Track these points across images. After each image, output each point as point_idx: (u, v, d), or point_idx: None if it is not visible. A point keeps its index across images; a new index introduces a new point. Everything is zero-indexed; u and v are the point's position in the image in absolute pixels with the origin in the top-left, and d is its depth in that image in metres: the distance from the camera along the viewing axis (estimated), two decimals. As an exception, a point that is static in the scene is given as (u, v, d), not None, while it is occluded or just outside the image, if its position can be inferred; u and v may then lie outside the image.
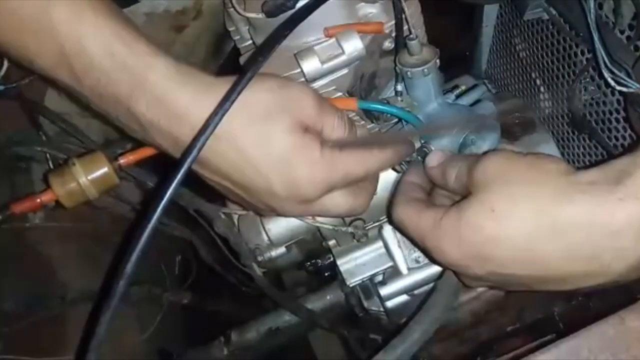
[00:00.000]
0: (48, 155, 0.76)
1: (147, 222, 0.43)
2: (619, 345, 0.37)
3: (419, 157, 0.62)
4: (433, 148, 0.60)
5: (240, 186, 0.53)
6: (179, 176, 0.45)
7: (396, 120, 0.66)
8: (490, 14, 0.84)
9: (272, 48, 0.49)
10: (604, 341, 0.37)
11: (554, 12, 0.68)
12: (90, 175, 0.63)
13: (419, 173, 0.61)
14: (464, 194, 0.51)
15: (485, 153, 0.50)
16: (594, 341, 0.37)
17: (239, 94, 0.46)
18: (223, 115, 0.46)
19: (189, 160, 0.45)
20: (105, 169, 0.63)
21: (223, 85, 0.48)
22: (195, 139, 0.46)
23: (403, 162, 0.64)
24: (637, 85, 0.52)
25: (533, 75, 0.80)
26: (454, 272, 0.55)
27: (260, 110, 0.49)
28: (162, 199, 0.44)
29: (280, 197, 0.52)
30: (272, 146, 0.49)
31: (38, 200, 0.62)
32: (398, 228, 0.58)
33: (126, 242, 0.43)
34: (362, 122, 0.71)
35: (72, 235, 0.84)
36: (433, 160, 0.58)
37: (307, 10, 0.50)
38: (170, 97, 0.48)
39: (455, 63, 0.86)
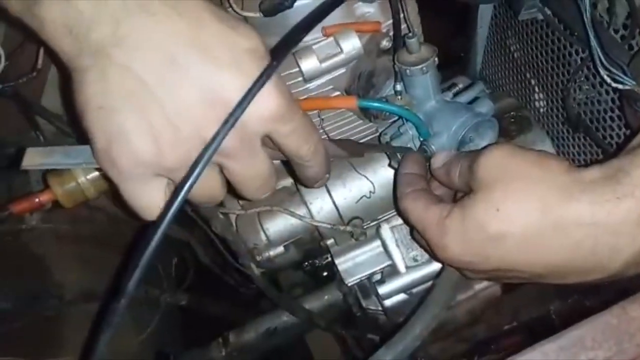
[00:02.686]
0: (45, 156, 0.76)
1: (152, 235, 0.40)
2: (623, 334, 0.37)
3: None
4: (433, 147, 0.60)
5: None
6: (183, 193, 0.40)
7: (394, 119, 0.67)
8: (485, 14, 0.84)
9: (289, 50, 0.47)
10: (607, 331, 0.38)
11: (548, 12, 0.68)
12: (89, 175, 0.62)
13: (414, 163, 0.60)
14: (467, 191, 0.52)
15: (485, 147, 0.50)
16: (598, 331, 0.38)
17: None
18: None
19: (195, 173, 0.40)
20: (104, 169, 0.63)
21: None
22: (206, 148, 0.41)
23: (398, 157, 0.64)
24: (633, 82, 0.53)
25: (528, 76, 0.81)
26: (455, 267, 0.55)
27: None
28: (167, 212, 0.40)
29: None
30: None
31: (37, 200, 0.62)
32: (406, 221, 0.58)
33: (128, 256, 0.41)
34: (360, 121, 0.71)
35: (69, 236, 0.83)
36: (438, 160, 0.57)
37: (327, 9, 0.49)
38: None
39: (450, 65, 0.87)
